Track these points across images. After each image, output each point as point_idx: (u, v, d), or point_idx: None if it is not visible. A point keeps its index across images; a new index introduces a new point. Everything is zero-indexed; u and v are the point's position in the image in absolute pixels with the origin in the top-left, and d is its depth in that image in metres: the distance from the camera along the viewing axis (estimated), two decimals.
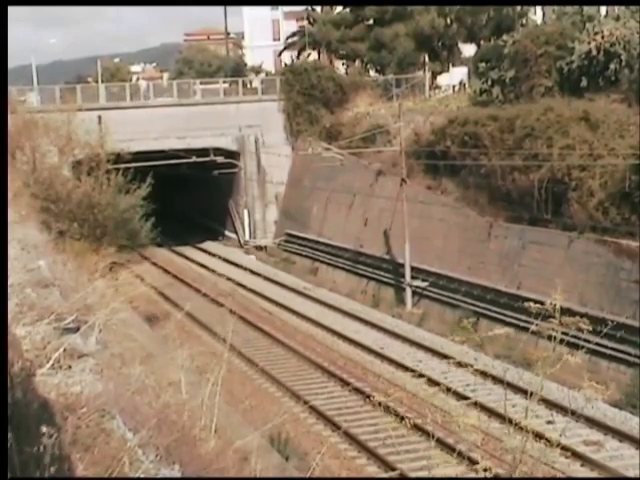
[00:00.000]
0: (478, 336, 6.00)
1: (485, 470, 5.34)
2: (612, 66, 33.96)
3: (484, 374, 22.61)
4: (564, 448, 5.76)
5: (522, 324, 25.19)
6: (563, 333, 5.71)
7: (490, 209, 32.29)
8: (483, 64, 41.05)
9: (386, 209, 37.93)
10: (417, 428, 18.02)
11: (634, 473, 18.20)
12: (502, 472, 6.74)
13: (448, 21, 55.26)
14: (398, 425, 21.27)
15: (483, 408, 19.31)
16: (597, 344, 19.92)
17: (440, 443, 13.70)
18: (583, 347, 6.98)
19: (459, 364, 6.66)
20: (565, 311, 5.88)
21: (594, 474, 18.23)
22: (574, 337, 6.16)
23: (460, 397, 22.05)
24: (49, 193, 30.90)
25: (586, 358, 22.13)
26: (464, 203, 33.88)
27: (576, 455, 18.44)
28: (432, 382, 22.95)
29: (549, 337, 5.62)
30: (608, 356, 23.97)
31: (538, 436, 5.74)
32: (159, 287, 39.59)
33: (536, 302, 6.09)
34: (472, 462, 6.17)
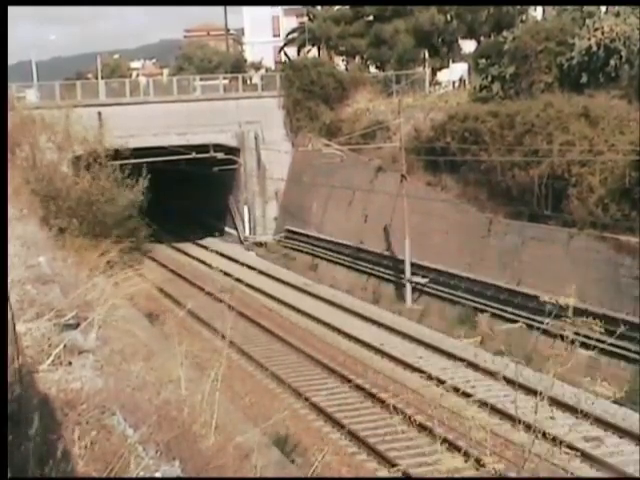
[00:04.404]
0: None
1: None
2: (612, 62, 33.93)
3: (484, 371, 22.64)
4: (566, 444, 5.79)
5: (522, 320, 25.24)
6: (575, 333, 5.70)
7: (490, 205, 32.29)
8: (483, 60, 41.02)
9: (386, 205, 37.92)
10: (420, 426, 18.03)
11: (634, 469, 18.22)
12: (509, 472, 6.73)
13: (448, 17, 55.21)
14: (400, 421, 21.34)
15: (484, 404, 19.29)
16: (597, 340, 19.91)
17: (446, 442, 13.70)
18: (595, 348, 6.96)
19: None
20: (565, 308, 5.88)
21: (594, 471, 18.25)
22: (576, 334, 6.14)
23: (462, 393, 22.04)
24: (49, 190, 30.87)
25: (586, 354, 22.12)
26: (464, 199, 33.88)
27: (576, 451, 18.43)
28: (430, 378, 22.92)
29: (558, 336, 5.61)
30: (608, 352, 23.95)
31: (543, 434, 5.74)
32: (159, 284, 39.57)
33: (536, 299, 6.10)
34: (479, 463, 6.15)
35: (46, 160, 34.37)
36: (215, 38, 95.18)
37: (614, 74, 33.99)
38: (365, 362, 27.41)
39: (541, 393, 5.69)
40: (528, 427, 5.74)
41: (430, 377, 23.35)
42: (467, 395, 17.72)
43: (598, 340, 6.20)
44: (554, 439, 6.02)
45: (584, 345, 6.30)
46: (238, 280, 40.37)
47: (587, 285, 26.19)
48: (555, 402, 19.42)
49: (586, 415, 7.99)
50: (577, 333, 5.81)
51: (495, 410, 19.20)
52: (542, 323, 6.20)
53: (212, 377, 9.47)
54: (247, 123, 48.57)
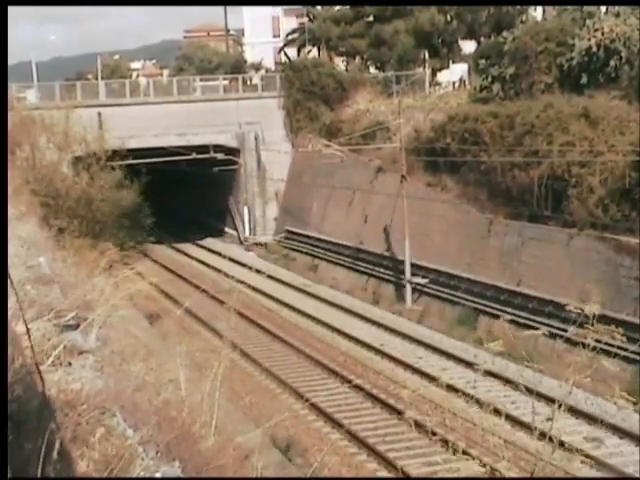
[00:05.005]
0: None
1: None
2: (612, 63, 33.91)
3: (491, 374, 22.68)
4: (563, 444, 5.82)
5: (522, 321, 25.24)
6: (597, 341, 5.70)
7: (490, 206, 32.28)
8: (483, 61, 41.00)
9: (386, 206, 37.90)
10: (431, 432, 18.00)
11: (634, 470, 18.22)
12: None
13: (448, 18, 55.22)
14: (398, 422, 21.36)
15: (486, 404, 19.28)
16: (597, 341, 19.88)
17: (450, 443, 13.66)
18: (611, 353, 6.94)
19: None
20: (564, 308, 5.89)
21: (594, 471, 18.23)
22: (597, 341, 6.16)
23: (463, 394, 22.07)
24: (49, 190, 30.93)
25: (585, 354, 22.09)
26: (464, 200, 33.86)
27: (577, 452, 18.40)
28: (431, 378, 22.91)
29: (557, 337, 5.62)
30: (608, 352, 23.88)
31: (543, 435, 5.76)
32: (159, 284, 39.54)
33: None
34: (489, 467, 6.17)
35: (46, 160, 34.44)
36: (215, 38, 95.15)
37: (614, 75, 33.97)
38: (365, 363, 27.39)
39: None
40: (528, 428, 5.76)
41: (430, 377, 23.45)
42: (468, 395, 17.76)
43: (597, 340, 6.18)
44: (553, 440, 6.03)
45: (583, 346, 6.28)
46: (238, 281, 40.39)
47: (587, 285, 26.17)
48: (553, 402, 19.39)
49: (586, 416, 7.99)
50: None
51: (496, 411, 19.20)
52: (542, 324, 6.21)
53: (212, 377, 9.49)
54: (247, 124, 48.57)
